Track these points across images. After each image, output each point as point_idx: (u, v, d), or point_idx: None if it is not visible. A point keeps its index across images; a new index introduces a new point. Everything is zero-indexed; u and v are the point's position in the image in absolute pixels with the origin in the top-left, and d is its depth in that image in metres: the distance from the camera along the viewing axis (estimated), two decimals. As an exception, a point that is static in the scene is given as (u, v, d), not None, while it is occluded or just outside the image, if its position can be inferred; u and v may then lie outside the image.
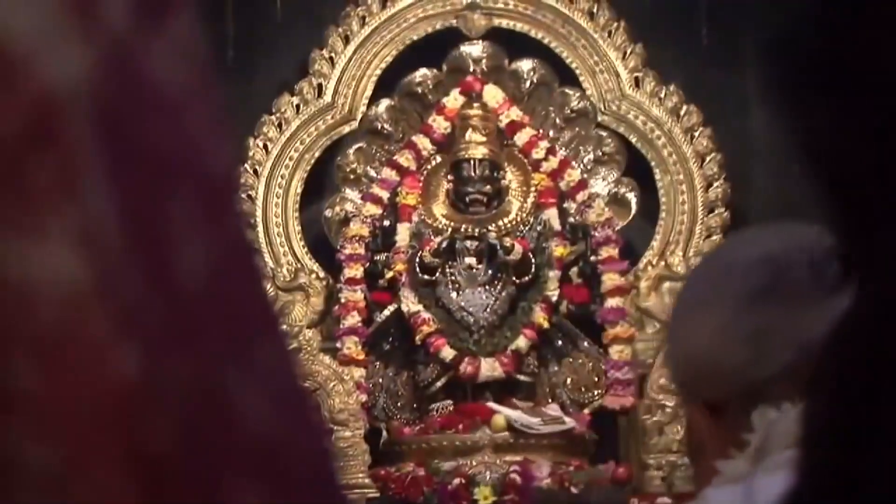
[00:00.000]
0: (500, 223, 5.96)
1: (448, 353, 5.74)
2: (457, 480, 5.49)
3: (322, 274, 6.15)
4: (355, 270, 5.96)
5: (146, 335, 0.42)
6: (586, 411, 5.82)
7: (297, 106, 6.26)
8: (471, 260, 5.82)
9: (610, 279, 5.92)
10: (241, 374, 0.44)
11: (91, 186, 0.42)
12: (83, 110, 0.43)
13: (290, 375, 0.46)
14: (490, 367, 5.73)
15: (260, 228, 6.09)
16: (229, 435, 0.43)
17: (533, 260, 5.85)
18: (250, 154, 6.16)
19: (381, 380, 5.94)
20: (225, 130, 0.48)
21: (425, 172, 6.15)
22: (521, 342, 5.78)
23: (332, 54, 6.27)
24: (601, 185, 6.17)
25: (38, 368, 0.41)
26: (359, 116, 6.27)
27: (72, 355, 0.41)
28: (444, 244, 5.85)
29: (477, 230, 5.89)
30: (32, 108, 0.42)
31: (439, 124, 6.11)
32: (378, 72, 6.28)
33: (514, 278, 5.83)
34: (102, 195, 0.42)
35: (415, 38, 6.30)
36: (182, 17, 0.48)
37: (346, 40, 6.28)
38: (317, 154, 6.27)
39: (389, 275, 5.95)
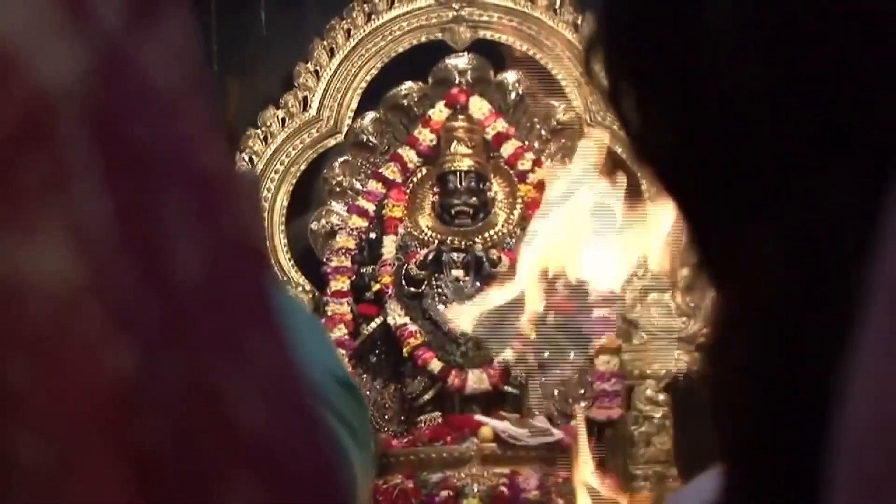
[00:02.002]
0: (487, 235, 5.96)
1: (435, 365, 5.74)
2: (445, 492, 5.48)
3: (308, 287, 6.14)
4: (341, 283, 5.96)
5: (140, 332, 0.42)
6: (574, 423, 5.82)
7: (283, 119, 6.26)
8: (457, 272, 5.82)
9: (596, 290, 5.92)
10: (237, 371, 0.44)
11: (84, 185, 0.42)
12: (76, 109, 0.43)
13: (286, 373, 0.46)
14: (477, 379, 5.73)
15: (246, 242, 6.08)
16: (224, 432, 0.43)
17: (519, 272, 5.85)
18: (236, 167, 6.15)
19: (368, 392, 5.93)
20: (218, 129, 0.48)
21: (411, 185, 6.15)
22: (509, 354, 5.78)
23: (318, 67, 6.27)
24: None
25: (32, 366, 0.41)
26: (344, 129, 6.27)
27: (65, 353, 0.41)
28: (431, 256, 5.85)
29: (463, 242, 5.89)
30: (25, 107, 0.42)
31: (425, 136, 6.11)
32: (363, 84, 6.29)
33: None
34: (95, 193, 0.42)
35: (400, 50, 6.30)
36: (175, 17, 0.48)
37: (332, 53, 6.28)
38: (302, 167, 6.27)
39: (376, 287, 5.95)
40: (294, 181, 6.25)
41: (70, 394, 0.42)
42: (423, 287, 5.85)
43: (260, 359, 0.45)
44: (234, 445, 0.44)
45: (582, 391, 5.91)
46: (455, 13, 6.29)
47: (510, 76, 6.24)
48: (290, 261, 6.20)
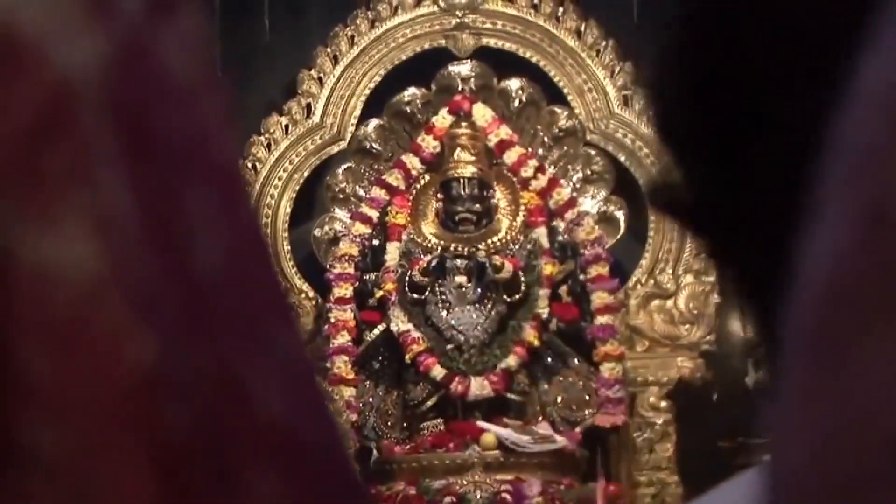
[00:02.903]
0: (490, 242, 5.96)
1: (438, 371, 5.74)
2: (447, 499, 5.48)
3: (311, 293, 6.14)
4: (345, 290, 5.96)
5: (162, 323, 0.42)
6: (577, 429, 5.82)
7: (286, 126, 6.26)
8: (460, 279, 5.82)
9: (599, 297, 5.93)
10: (258, 361, 0.44)
11: (106, 174, 0.42)
12: (97, 98, 0.43)
13: (303, 363, 0.46)
14: (480, 386, 5.73)
15: (249, 248, 6.08)
16: (246, 422, 0.43)
17: (522, 278, 5.85)
18: (239, 174, 6.16)
19: (371, 399, 5.93)
20: (232, 122, 0.48)
21: (414, 191, 6.15)
22: (512, 360, 5.78)
23: (321, 74, 6.28)
24: (590, 203, 6.18)
25: (54, 355, 0.41)
26: (348, 136, 6.27)
27: (87, 343, 0.41)
28: (434, 263, 5.86)
29: (466, 249, 5.90)
30: (47, 96, 0.42)
31: (428, 143, 6.12)
32: (367, 91, 6.29)
33: (503, 297, 5.83)
34: (118, 183, 0.42)
35: (403, 57, 6.31)
36: (190, 10, 0.48)
37: (335, 60, 6.29)
38: (306, 174, 6.27)
39: (379, 294, 5.95)
40: (297, 188, 6.26)
41: (91, 384, 0.42)
42: (426, 293, 5.85)
43: (280, 349, 0.45)
44: (256, 435, 0.44)
45: (587, 398, 5.91)
46: (458, 20, 6.29)
47: (513, 83, 6.25)
48: (292, 267, 6.21)
